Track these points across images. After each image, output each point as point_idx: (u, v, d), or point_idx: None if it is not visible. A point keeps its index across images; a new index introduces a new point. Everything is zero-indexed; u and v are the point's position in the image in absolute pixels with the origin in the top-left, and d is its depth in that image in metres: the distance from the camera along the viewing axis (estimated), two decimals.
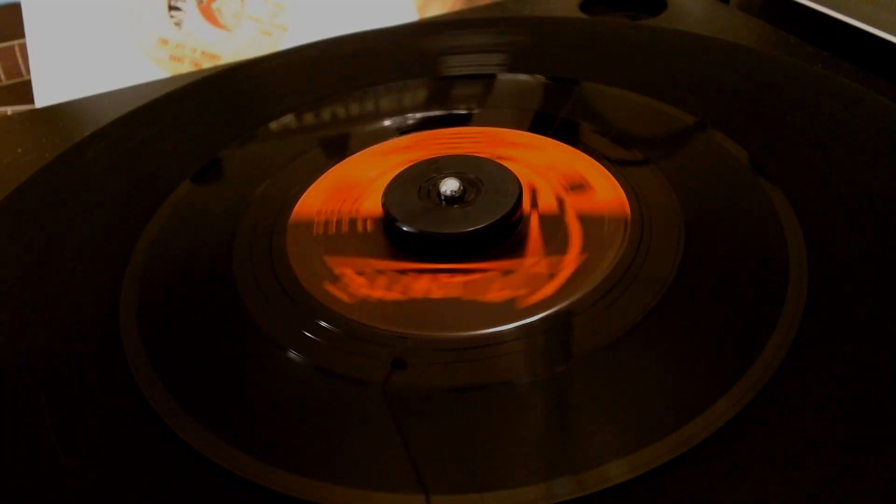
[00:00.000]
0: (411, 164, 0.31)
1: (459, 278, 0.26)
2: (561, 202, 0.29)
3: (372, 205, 0.30)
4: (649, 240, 0.27)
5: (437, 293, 0.26)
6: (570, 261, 0.26)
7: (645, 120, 0.34)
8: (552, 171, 0.31)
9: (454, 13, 0.51)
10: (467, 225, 0.27)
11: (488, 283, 0.26)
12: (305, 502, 0.19)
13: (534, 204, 0.29)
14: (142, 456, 0.21)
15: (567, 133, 0.34)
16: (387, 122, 0.37)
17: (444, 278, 0.26)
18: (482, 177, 0.29)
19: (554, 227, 0.28)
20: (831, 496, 0.18)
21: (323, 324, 0.25)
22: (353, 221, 0.30)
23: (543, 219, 0.29)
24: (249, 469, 0.20)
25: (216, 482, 0.20)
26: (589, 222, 0.28)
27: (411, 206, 0.29)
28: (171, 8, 0.49)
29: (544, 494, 0.19)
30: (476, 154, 0.32)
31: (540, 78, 0.38)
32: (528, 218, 0.29)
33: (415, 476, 0.20)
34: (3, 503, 0.20)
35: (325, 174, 0.33)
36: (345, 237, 0.29)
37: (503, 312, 0.25)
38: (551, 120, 0.35)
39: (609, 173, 0.30)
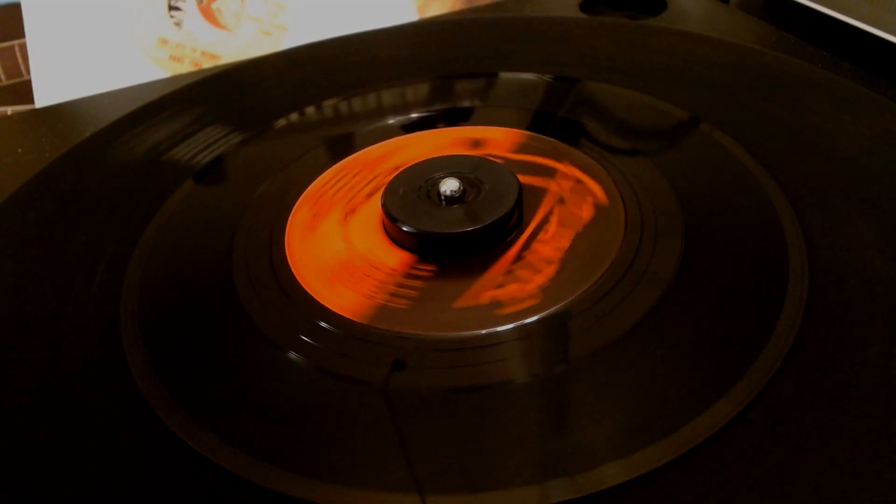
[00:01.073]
0: (412, 163, 0.31)
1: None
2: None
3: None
4: (648, 240, 0.27)
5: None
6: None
7: (645, 119, 0.34)
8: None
9: (454, 13, 0.51)
10: (464, 225, 0.27)
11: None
12: (303, 501, 0.19)
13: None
14: (141, 456, 0.21)
15: (567, 132, 0.34)
16: (387, 122, 0.37)
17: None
18: (483, 177, 0.29)
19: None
20: (831, 497, 0.18)
21: (322, 324, 0.25)
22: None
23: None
24: (249, 469, 0.20)
25: (216, 482, 0.20)
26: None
27: (410, 205, 0.29)
28: (171, 8, 0.49)
29: (541, 496, 0.19)
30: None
31: (540, 77, 0.38)
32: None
33: (411, 476, 0.20)
34: (3, 503, 0.20)
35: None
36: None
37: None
38: (551, 119, 0.35)
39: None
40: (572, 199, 0.30)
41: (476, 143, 0.34)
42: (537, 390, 0.22)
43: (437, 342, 0.24)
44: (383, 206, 0.29)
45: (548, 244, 0.27)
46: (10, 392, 0.24)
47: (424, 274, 0.27)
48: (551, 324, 0.24)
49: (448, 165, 0.30)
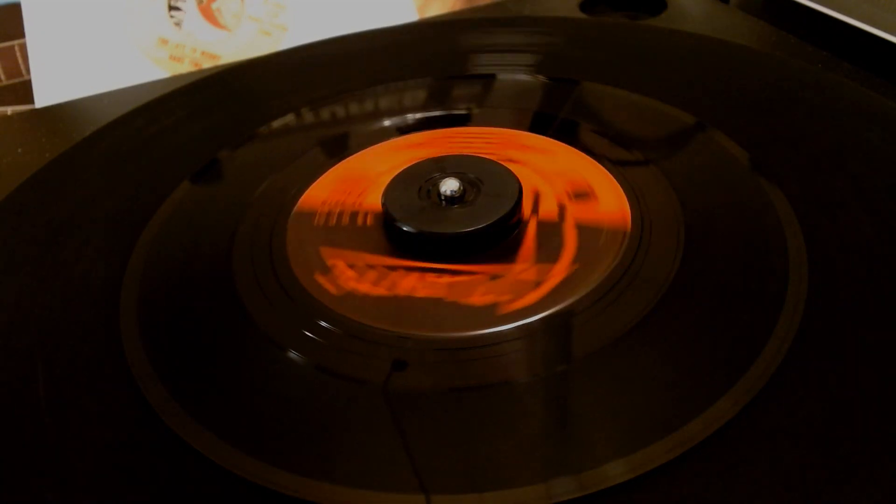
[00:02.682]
0: (415, 162, 0.31)
1: (448, 278, 0.26)
2: (562, 209, 0.29)
3: (374, 199, 0.30)
4: (649, 240, 0.27)
5: (422, 292, 0.26)
6: (562, 269, 0.26)
7: (645, 120, 0.34)
8: (559, 177, 0.31)
9: (454, 13, 0.51)
10: (462, 226, 0.27)
11: (475, 285, 0.26)
12: (305, 502, 0.19)
13: (535, 209, 0.29)
14: (141, 455, 0.21)
15: (567, 133, 0.34)
16: (386, 122, 0.37)
17: (432, 277, 0.27)
18: (483, 177, 0.29)
19: (551, 234, 0.28)
20: (831, 496, 0.18)
21: (322, 323, 0.25)
22: (354, 215, 0.30)
23: (542, 224, 0.28)
24: (249, 469, 0.20)
25: (216, 482, 0.20)
26: (588, 232, 0.28)
27: (410, 205, 0.29)
28: (171, 8, 0.49)
29: (544, 494, 0.19)
30: (486, 155, 0.32)
31: (540, 78, 0.39)
32: (527, 222, 0.29)
33: (415, 476, 0.20)
34: (3, 502, 0.20)
35: (333, 167, 0.33)
36: (344, 230, 0.30)
37: (503, 313, 0.25)
38: (551, 120, 0.35)
39: (613, 179, 0.30)
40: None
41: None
42: (540, 389, 0.22)
43: (437, 342, 0.24)
44: (383, 205, 0.29)
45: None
46: (10, 392, 0.24)
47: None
48: (553, 323, 0.24)
49: (448, 165, 0.30)
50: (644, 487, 0.19)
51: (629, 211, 0.28)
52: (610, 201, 0.29)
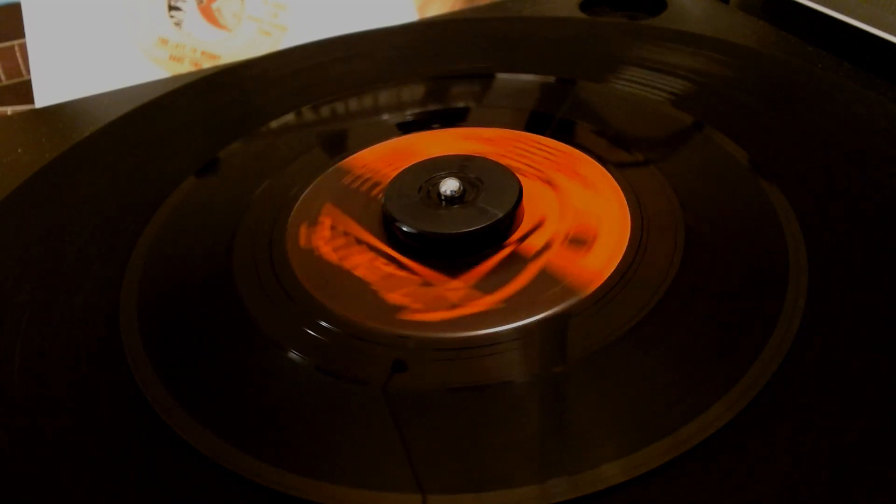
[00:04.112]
0: (421, 160, 0.32)
1: (391, 269, 0.27)
2: (546, 248, 0.28)
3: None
4: (649, 241, 0.27)
5: (360, 271, 0.27)
6: (487, 302, 0.25)
7: (644, 121, 0.34)
8: (574, 216, 0.29)
9: (454, 13, 0.51)
10: (464, 225, 0.27)
11: (404, 284, 0.26)
12: (304, 501, 0.19)
13: (523, 237, 0.28)
14: (141, 455, 0.21)
15: (566, 133, 0.34)
16: (386, 122, 0.37)
17: (380, 262, 0.27)
18: (482, 177, 0.29)
19: (512, 266, 0.27)
20: (829, 499, 0.18)
21: (323, 324, 0.25)
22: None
23: (514, 255, 0.27)
24: (249, 468, 0.20)
25: (215, 481, 0.20)
26: (545, 279, 0.26)
27: (411, 205, 0.29)
28: (171, 8, 0.49)
29: (541, 495, 0.19)
30: (536, 171, 0.31)
31: (539, 77, 0.38)
32: (505, 246, 0.28)
33: (412, 476, 0.20)
34: (3, 502, 0.20)
35: (395, 139, 0.35)
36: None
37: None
38: (550, 119, 0.35)
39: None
40: (564, 243, 0.28)
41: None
42: (539, 390, 0.22)
43: (437, 342, 0.24)
44: (383, 206, 0.29)
45: (500, 275, 0.27)
46: (11, 392, 0.24)
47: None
48: (552, 324, 0.24)
49: (448, 165, 0.31)
50: (640, 489, 0.19)
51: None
52: (601, 255, 0.27)
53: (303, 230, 0.29)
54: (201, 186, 0.33)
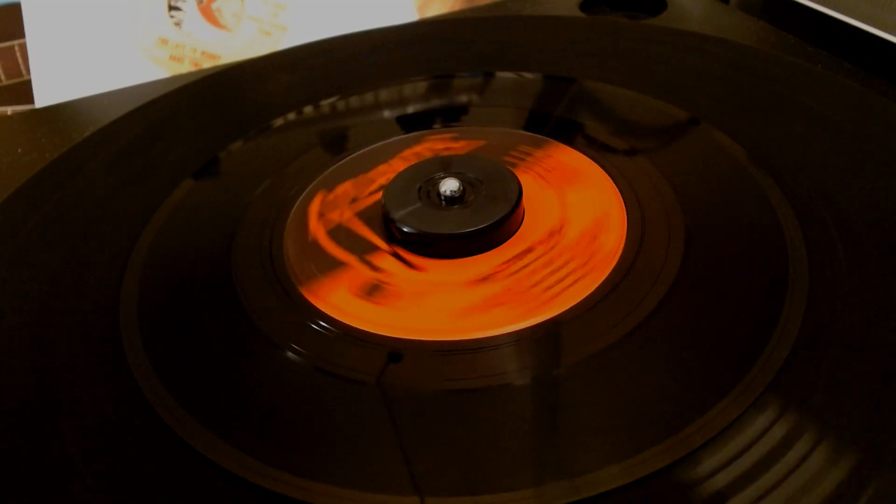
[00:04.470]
0: (419, 160, 0.32)
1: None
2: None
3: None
4: (648, 240, 0.27)
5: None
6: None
7: (644, 120, 0.34)
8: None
9: (454, 13, 0.51)
10: (464, 225, 0.27)
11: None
12: (302, 502, 0.19)
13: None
14: (141, 455, 0.21)
15: (566, 132, 0.34)
16: (386, 121, 0.37)
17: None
18: (482, 177, 0.29)
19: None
20: (831, 500, 0.18)
21: (321, 324, 0.25)
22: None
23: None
24: (248, 468, 0.20)
25: (215, 481, 0.20)
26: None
27: (411, 205, 0.29)
28: (171, 8, 0.49)
29: (541, 498, 0.19)
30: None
31: (539, 77, 0.38)
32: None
33: (410, 478, 0.20)
34: (4, 503, 0.20)
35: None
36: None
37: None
38: (550, 119, 0.35)
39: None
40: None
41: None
42: (538, 392, 0.22)
43: (436, 343, 0.24)
44: (383, 206, 0.29)
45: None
46: (11, 392, 0.24)
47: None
48: (551, 326, 0.24)
49: (448, 165, 0.30)
50: (639, 492, 0.19)
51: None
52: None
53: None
54: (201, 186, 0.33)
